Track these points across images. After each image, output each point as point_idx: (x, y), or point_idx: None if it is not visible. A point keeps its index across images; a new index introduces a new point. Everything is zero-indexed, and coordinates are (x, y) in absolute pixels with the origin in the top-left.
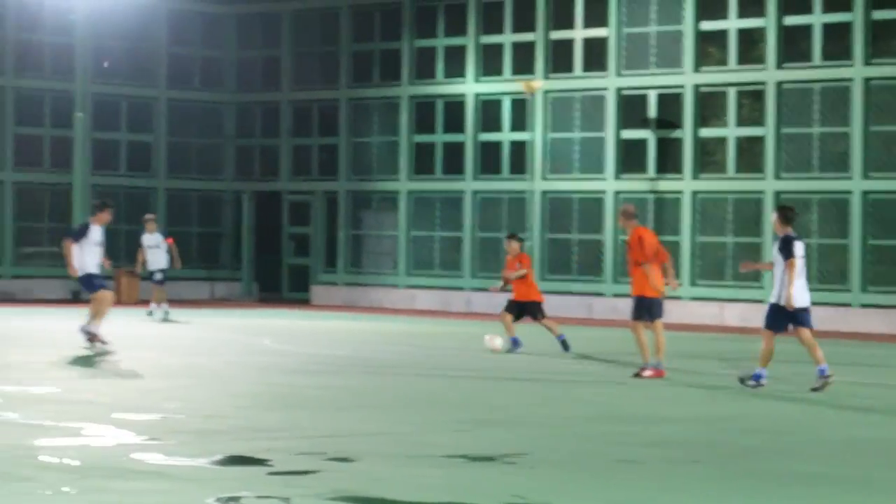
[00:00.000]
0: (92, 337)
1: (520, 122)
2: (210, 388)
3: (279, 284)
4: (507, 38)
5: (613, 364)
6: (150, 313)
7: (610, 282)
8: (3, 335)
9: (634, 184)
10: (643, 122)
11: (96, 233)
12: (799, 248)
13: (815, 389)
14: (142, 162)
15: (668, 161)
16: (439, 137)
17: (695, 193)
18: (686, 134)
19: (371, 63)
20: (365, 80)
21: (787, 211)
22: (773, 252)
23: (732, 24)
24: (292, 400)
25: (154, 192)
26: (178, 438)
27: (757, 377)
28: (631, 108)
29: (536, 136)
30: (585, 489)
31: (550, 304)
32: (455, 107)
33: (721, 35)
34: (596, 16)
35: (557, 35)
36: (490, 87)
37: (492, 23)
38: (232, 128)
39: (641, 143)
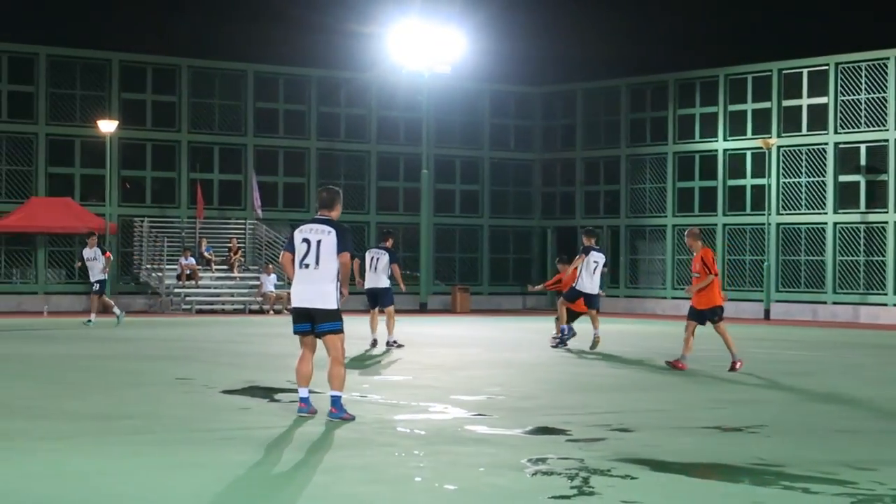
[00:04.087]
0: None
1: (759, 171)
2: (523, 375)
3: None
4: (749, 106)
5: (829, 354)
6: (89, 322)
7: (831, 292)
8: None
9: (849, 216)
10: (856, 169)
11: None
12: (595, 255)
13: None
14: (471, 205)
15: (877, 198)
16: (696, 183)
17: None
18: (890, 177)
19: (644, 127)
20: (639, 141)
21: (590, 231)
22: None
23: None
24: (585, 385)
25: (480, 229)
26: (499, 414)
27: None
28: (846, 158)
29: (772, 180)
30: (813, 452)
31: (783, 312)
32: (709, 159)
33: None
34: (818, 87)
35: (788, 103)
36: (736, 143)
37: (737, 94)
38: (538, 179)
39: (855, 185)
